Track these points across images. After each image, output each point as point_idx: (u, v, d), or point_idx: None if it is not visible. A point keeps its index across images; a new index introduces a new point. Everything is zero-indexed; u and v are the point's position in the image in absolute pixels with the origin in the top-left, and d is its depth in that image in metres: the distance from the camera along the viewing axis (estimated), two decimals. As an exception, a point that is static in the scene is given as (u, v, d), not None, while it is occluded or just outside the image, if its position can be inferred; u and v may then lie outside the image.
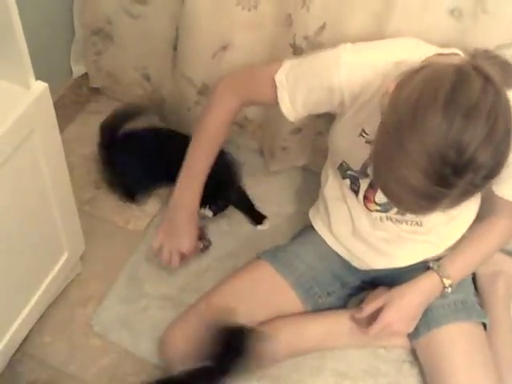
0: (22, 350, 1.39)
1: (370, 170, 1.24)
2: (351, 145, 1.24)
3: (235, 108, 1.36)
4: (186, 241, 1.41)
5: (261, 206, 1.71)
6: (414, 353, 1.45)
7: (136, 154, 1.62)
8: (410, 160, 0.89)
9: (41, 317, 1.41)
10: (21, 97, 1.07)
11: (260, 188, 1.75)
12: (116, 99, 1.87)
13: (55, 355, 1.41)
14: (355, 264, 1.43)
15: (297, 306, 1.40)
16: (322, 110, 1.25)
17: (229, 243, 1.63)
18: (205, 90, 1.63)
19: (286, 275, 1.39)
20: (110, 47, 1.74)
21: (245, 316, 1.31)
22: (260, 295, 1.38)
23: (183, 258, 1.43)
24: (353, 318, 1.40)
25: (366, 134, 1.19)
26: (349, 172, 1.29)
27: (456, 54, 1.13)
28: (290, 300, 1.39)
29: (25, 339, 1.37)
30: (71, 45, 1.75)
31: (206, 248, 1.58)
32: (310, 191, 1.68)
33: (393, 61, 1.12)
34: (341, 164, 1.29)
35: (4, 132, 1.03)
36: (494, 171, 0.90)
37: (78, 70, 1.79)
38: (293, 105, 1.24)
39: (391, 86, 0.98)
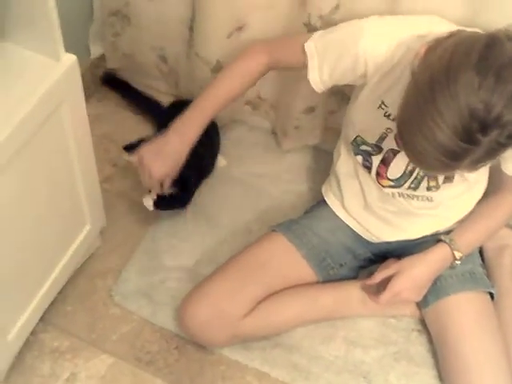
0: (45, 318, 1.44)
1: (384, 143, 1.29)
2: (369, 117, 1.28)
3: (263, 63, 1.38)
4: (161, 165, 1.35)
5: (274, 184, 1.76)
6: (422, 322, 1.50)
7: None
8: (439, 114, 0.93)
9: (63, 287, 1.46)
10: (51, 69, 1.11)
11: (273, 167, 1.80)
12: (133, 81, 1.92)
13: (77, 324, 1.47)
14: (366, 237, 1.48)
15: (310, 277, 1.45)
16: (347, 80, 1.29)
17: (243, 218, 1.68)
18: (219, 68, 1.67)
19: (300, 247, 1.44)
20: (128, 28, 1.78)
21: (259, 285, 1.37)
22: (274, 265, 1.43)
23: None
24: (364, 287, 1.45)
25: (386, 106, 1.24)
26: (362, 147, 1.34)
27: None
28: (304, 271, 1.44)
29: (48, 308, 1.42)
30: (90, 26, 1.79)
31: (172, 200, 1.52)
32: (321, 170, 1.73)
33: (417, 33, 1.16)
34: (355, 139, 1.34)
35: (35, 103, 1.07)
36: None
37: (95, 50, 1.84)
38: (320, 72, 1.29)
39: (423, 49, 1.02)
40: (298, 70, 1.39)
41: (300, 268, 1.44)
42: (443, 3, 1.33)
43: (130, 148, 1.48)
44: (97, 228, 1.49)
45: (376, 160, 1.33)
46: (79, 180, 1.32)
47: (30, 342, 1.41)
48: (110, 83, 1.90)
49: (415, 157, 1.03)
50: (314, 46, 1.29)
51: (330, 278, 1.47)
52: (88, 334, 1.45)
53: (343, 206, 1.48)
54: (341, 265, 1.48)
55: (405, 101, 1.01)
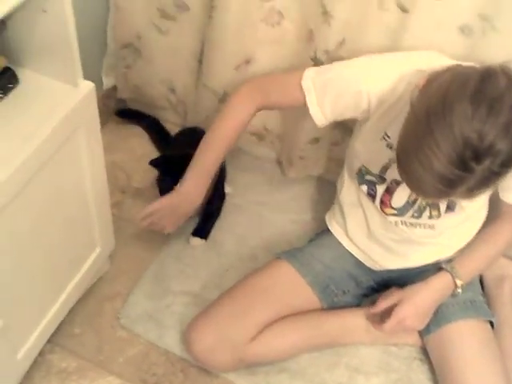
0: (54, 340, 1.46)
1: (388, 174, 1.33)
2: (373, 148, 1.33)
3: (249, 116, 1.43)
4: (175, 222, 1.49)
5: (278, 213, 1.80)
6: (424, 351, 1.52)
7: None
8: (435, 142, 0.98)
9: (71, 310, 1.48)
10: (69, 94, 1.17)
11: (277, 196, 1.85)
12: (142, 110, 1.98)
13: (84, 346, 1.49)
14: (369, 264, 1.51)
15: (314, 304, 1.48)
16: (348, 115, 1.34)
17: (248, 245, 1.72)
18: (226, 99, 1.72)
19: (305, 274, 1.47)
20: (139, 61, 1.84)
21: (264, 311, 1.41)
22: (279, 292, 1.46)
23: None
24: (368, 315, 1.48)
25: (388, 138, 1.29)
26: (367, 177, 1.38)
27: None
28: (308, 297, 1.47)
29: (56, 330, 1.44)
30: (103, 58, 1.86)
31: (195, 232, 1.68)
32: (324, 199, 1.78)
33: (417, 68, 1.21)
34: (359, 169, 1.38)
35: (54, 127, 1.12)
36: (510, 159, 0.98)
37: (108, 82, 1.90)
38: (321, 109, 1.33)
39: (422, 81, 1.07)
40: (290, 110, 1.43)
41: (304, 295, 1.47)
42: (441, 41, 1.39)
43: (156, 164, 1.56)
44: (106, 251, 1.52)
45: (380, 189, 1.38)
46: (91, 204, 1.36)
47: (38, 362, 1.43)
48: (125, 115, 1.96)
49: (413, 184, 1.07)
50: (311, 82, 1.33)
51: (333, 304, 1.50)
52: (95, 356, 1.48)
53: (347, 234, 1.52)
54: (344, 292, 1.51)
55: (404, 130, 1.06)
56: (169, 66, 1.82)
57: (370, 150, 1.35)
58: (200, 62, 1.74)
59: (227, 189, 1.81)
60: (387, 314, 1.40)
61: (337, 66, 1.35)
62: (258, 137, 1.88)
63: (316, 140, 1.74)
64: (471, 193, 1.02)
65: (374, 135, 1.32)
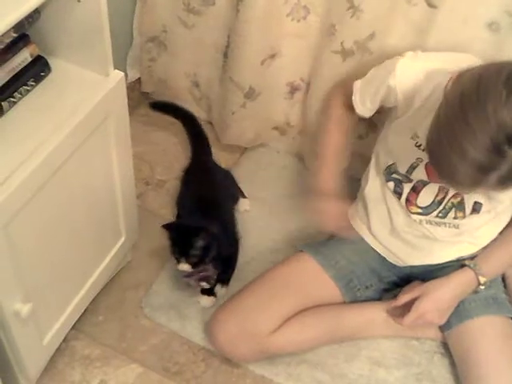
0: (78, 327, 1.48)
1: (414, 174, 1.34)
2: (402, 146, 1.34)
3: (349, 119, 1.48)
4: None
5: (300, 207, 1.80)
6: (445, 345, 1.52)
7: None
8: (468, 127, 0.98)
9: (95, 298, 1.50)
10: (100, 84, 1.19)
11: (299, 190, 1.84)
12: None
13: (107, 333, 1.51)
14: (392, 260, 1.51)
15: (336, 298, 1.49)
16: (386, 105, 1.37)
17: (270, 238, 1.73)
18: (251, 94, 1.74)
19: (328, 268, 1.48)
20: (163, 54, 1.86)
21: (286, 304, 1.42)
22: (302, 285, 1.47)
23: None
24: (388, 309, 1.48)
25: (417, 137, 1.29)
26: (394, 175, 1.39)
27: None
28: (331, 291, 1.48)
29: (80, 317, 1.46)
30: (128, 51, 1.87)
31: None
32: (347, 194, 1.77)
33: (449, 71, 1.19)
34: (389, 166, 1.39)
35: (84, 116, 1.14)
36: None
37: (132, 74, 1.92)
38: (363, 105, 1.39)
39: (454, 75, 1.08)
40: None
41: (327, 288, 1.48)
42: (468, 38, 1.40)
43: (168, 228, 1.50)
44: (131, 240, 1.54)
45: (407, 188, 1.38)
46: (118, 193, 1.38)
47: (62, 349, 1.45)
48: (158, 108, 1.91)
49: (445, 172, 1.07)
50: (359, 83, 1.39)
51: (355, 299, 1.51)
52: (118, 344, 1.49)
53: (370, 231, 1.52)
54: (366, 287, 1.52)
55: (436, 119, 1.06)
56: (193, 59, 1.84)
57: (399, 149, 1.36)
58: (225, 55, 1.75)
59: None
60: (408, 308, 1.41)
61: (379, 65, 1.38)
62: (280, 131, 1.89)
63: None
64: (503, 182, 1.01)
65: (404, 134, 1.33)
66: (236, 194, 1.79)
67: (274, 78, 1.73)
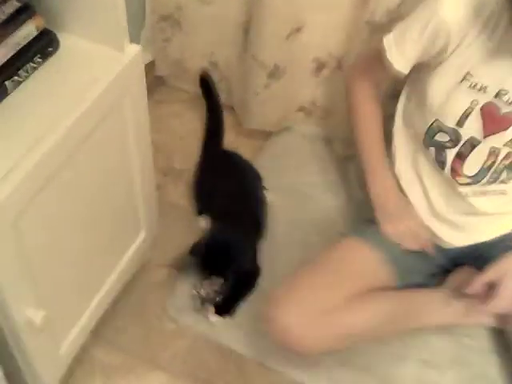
0: (96, 333, 1.35)
1: (466, 126, 1.20)
2: (450, 94, 1.19)
3: (378, 100, 1.37)
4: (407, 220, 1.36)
5: (329, 194, 1.67)
6: (498, 342, 1.40)
7: None
8: None
9: (114, 301, 1.37)
10: (115, 59, 1.05)
11: (328, 175, 1.72)
12: (180, 89, 1.86)
13: (129, 339, 1.38)
14: (438, 243, 1.37)
15: (388, 282, 1.34)
16: (427, 55, 1.21)
17: (299, 228, 1.59)
18: (275, 72, 1.60)
19: (380, 251, 1.33)
20: (178, 34, 1.72)
21: (336, 288, 1.27)
22: (353, 270, 1.32)
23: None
24: (451, 296, 1.35)
25: (471, 76, 1.16)
26: (438, 136, 1.24)
27: None
28: (383, 275, 1.33)
29: (99, 322, 1.33)
30: (140, 32, 1.74)
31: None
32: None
33: None
34: (431, 125, 1.24)
35: (99, 94, 1.00)
36: None
37: (145, 57, 1.76)
38: (402, 56, 1.22)
39: None
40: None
41: (380, 273, 1.33)
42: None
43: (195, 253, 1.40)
44: (151, 235, 1.40)
45: (450, 154, 1.25)
46: (137, 181, 1.24)
47: (80, 357, 1.32)
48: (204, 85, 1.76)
49: None
50: (391, 38, 1.22)
51: (407, 282, 1.36)
52: (141, 350, 1.36)
53: None
54: (417, 270, 1.38)
55: None
56: (211, 38, 1.70)
57: (447, 96, 1.21)
58: (246, 32, 1.61)
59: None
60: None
61: (411, 14, 1.21)
62: (306, 113, 1.75)
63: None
64: None
65: (453, 77, 1.18)
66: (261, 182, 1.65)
67: (300, 54, 1.59)
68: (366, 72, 1.38)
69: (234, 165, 1.65)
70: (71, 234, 1.08)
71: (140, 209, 1.30)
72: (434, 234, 1.36)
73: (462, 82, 1.17)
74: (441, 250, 1.38)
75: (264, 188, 1.63)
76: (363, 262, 1.33)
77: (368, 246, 1.34)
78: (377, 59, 1.27)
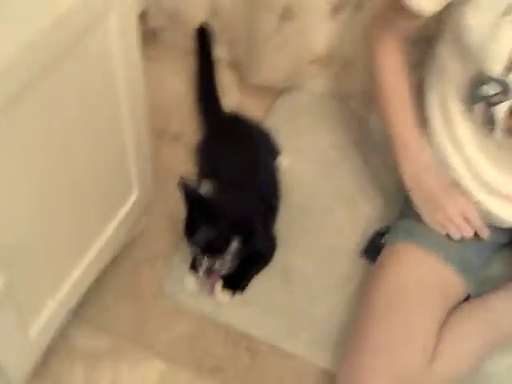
0: (79, 312, 1.13)
1: None
2: (491, 33, 0.98)
3: (402, 55, 1.16)
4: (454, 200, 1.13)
5: (355, 156, 1.46)
6: None
7: None
8: None
9: (101, 275, 1.15)
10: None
11: (352, 137, 1.50)
12: (174, 45, 1.65)
13: (118, 320, 1.16)
14: (492, 223, 1.15)
15: (458, 286, 1.11)
16: None
17: (321, 194, 1.38)
18: (287, 13, 1.38)
19: (437, 250, 1.11)
20: (174, -22, 1.51)
21: (426, 316, 1.04)
22: (425, 285, 1.08)
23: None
24: None
25: None
26: (483, 90, 1.02)
27: None
28: (450, 279, 1.10)
29: (82, 301, 1.11)
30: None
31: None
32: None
33: None
34: (472, 77, 1.03)
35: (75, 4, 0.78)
36: None
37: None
38: None
39: None
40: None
41: (446, 277, 1.10)
42: None
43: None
44: (144, 198, 1.18)
45: (500, 111, 1.02)
46: (126, 126, 1.03)
47: (58, 342, 1.10)
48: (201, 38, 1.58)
49: None
50: None
51: (478, 283, 1.14)
52: (133, 334, 1.14)
53: None
54: (483, 261, 1.16)
55: None
56: (211, -18, 1.49)
57: (489, 36, 0.99)
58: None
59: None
60: None
61: None
62: (320, 65, 1.53)
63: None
64: None
65: (492, 13, 0.97)
66: (274, 148, 1.43)
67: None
68: (385, 22, 1.16)
69: (239, 128, 1.44)
70: (46, 180, 0.86)
71: (131, 161, 1.09)
72: (486, 212, 1.14)
73: (503, 16, 0.96)
74: (501, 230, 1.16)
75: (277, 151, 1.41)
76: (427, 273, 1.09)
77: (422, 250, 1.10)
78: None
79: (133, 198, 1.13)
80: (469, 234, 1.12)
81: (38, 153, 0.82)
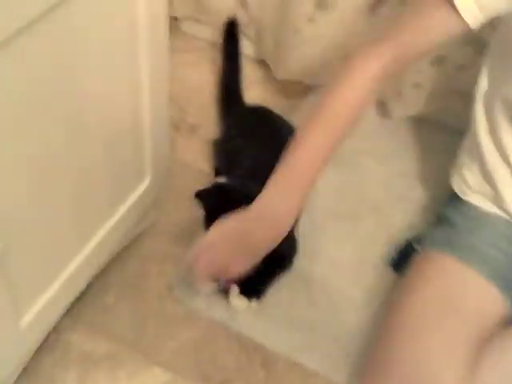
0: (76, 312, 1.01)
1: None
2: None
3: (375, 83, 0.91)
4: (244, 262, 0.90)
5: (382, 164, 1.35)
6: None
7: None
8: None
9: (104, 271, 1.04)
10: None
11: (376, 144, 1.40)
12: (197, 37, 1.56)
13: (120, 322, 1.03)
14: None
15: (498, 305, 0.99)
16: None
17: (348, 200, 1.27)
18: (323, 1, 1.29)
19: (478, 264, 0.99)
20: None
21: (459, 332, 0.93)
22: (453, 299, 0.98)
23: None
24: None
25: None
26: None
27: None
28: (491, 298, 0.99)
29: (80, 299, 0.99)
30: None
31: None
32: (440, 149, 1.34)
33: None
34: None
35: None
36: None
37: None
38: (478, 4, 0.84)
39: None
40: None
41: (487, 296, 0.99)
42: None
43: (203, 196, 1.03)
44: (156, 186, 1.07)
45: None
46: (146, 105, 0.92)
47: (51, 342, 0.97)
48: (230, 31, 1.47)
49: None
50: None
51: None
52: (136, 338, 1.01)
53: (502, 207, 1.06)
54: None
55: None
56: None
57: None
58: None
59: None
60: None
61: None
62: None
63: (440, 60, 1.28)
64: None
65: None
66: None
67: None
68: (397, 33, 0.92)
69: (262, 121, 1.33)
70: (51, 159, 0.76)
71: (147, 143, 0.97)
72: None
73: None
74: None
75: None
76: (463, 286, 0.98)
77: (459, 261, 0.99)
78: (424, 15, 0.88)
79: (145, 183, 1.02)
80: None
81: (46, 106, 0.71)
